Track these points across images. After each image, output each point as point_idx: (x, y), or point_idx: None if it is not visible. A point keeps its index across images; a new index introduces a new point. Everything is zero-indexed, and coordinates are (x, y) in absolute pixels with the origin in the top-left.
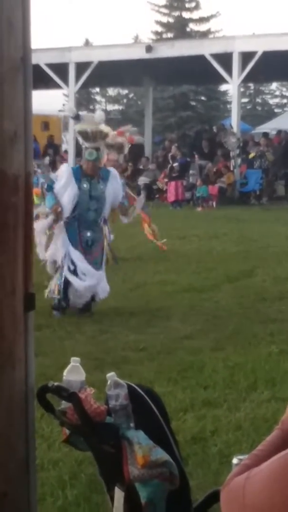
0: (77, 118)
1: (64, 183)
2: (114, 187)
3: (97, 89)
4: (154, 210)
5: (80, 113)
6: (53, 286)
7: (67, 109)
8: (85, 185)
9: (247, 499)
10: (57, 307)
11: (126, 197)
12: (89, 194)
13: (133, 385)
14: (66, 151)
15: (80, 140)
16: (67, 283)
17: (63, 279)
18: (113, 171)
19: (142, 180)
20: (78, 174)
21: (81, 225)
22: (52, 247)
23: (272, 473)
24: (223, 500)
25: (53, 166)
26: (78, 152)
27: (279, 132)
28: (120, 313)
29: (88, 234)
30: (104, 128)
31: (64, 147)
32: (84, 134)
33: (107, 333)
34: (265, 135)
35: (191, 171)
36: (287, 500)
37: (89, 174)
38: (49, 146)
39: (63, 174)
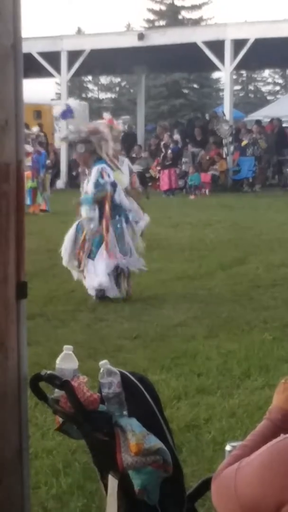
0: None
1: None
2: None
3: (90, 78)
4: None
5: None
6: None
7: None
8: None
9: (239, 490)
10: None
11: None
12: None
13: (126, 372)
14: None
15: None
16: None
17: None
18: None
19: (135, 169)
20: None
21: None
22: None
23: (262, 463)
24: (214, 491)
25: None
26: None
27: (272, 119)
28: (114, 301)
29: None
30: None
31: (56, 136)
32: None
33: (102, 322)
34: (258, 122)
35: (184, 159)
36: (279, 488)
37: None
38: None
39: None
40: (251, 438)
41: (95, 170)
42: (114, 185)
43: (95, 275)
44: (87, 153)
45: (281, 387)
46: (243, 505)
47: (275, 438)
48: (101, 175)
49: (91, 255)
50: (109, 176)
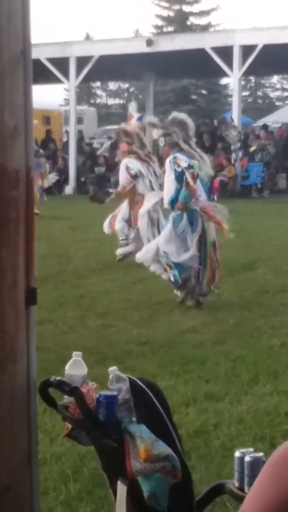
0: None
1: None
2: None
3: (98, 83)
4: None
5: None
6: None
7: None
8: None
9: None
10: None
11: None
12: None
13: (135, 378)
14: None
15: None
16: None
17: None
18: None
19: None
20: None
21: None
22: None
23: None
24: None
25: (54, 160)
26: (79, 147)
27: (282, 125)
28: (123, 307)
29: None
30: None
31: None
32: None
33: (110, 328)
34: (264, 127)
35: None
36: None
37: None
38: (49, 141)
39: None
40: None
41: (167, 162)
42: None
43: None
44: (167, 146)
45: None
46: None
47: None
48: (176, 164)
49: None
50: (185, 162)
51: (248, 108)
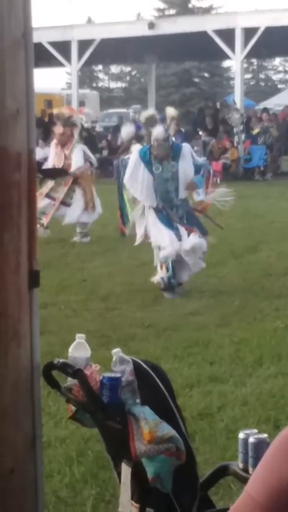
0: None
1: (131, 173)
2: (184, 166)
3: (100, 67)
4: None
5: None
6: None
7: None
8: (159, 169)
9: (252, 493)
10: (167, 287)
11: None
12: (163, 177)
13: (138, 361)
14: None
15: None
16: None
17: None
18: (185, 148)
19: None
20: (147, 157)
21: (168, 207)
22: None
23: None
24: None
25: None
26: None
27: (286, 107)
28: (126, 290)
29: (179, 211)
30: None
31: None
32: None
33: (114, 311)
34: (265, 110)
35: (195, 148)
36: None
37: (160, 158)
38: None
39: (130, 163)
40: None
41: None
42: None
43: None
44: None
45: None
46: (263, 504)
47: None
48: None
49: None
50: None
51: (251, 90)
